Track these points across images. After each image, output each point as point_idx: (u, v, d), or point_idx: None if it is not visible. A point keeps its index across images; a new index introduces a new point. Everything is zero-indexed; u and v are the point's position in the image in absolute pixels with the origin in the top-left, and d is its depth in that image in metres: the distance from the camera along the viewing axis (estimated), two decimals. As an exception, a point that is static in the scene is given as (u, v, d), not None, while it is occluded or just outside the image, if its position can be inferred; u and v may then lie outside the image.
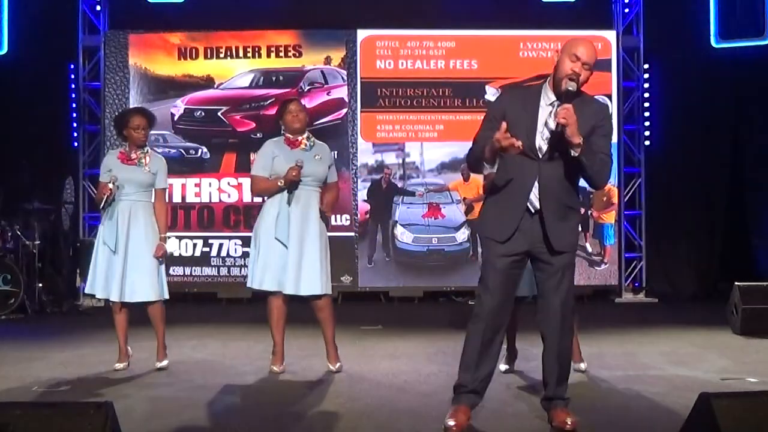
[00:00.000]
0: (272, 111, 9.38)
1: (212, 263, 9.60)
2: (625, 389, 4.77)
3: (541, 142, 3.79)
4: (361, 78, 9.65)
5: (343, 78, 9.67)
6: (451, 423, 3.79)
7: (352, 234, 9.56)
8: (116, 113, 9.27)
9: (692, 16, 9.88)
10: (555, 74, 3.80)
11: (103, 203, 5.31)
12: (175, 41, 9.76)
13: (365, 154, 9.68)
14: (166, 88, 9.71)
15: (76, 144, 9.92)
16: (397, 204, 9.67)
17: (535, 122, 3.80)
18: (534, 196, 3.80)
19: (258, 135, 9.45)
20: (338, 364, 5.28)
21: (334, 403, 4.48)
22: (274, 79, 9.72)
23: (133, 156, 5.37)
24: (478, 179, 9.08)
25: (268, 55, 9.72)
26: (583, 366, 5.21)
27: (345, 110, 9.63)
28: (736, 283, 6.89)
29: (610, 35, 9.77)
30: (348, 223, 9.54)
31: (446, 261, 9.59)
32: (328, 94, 9.65)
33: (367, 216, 9.66)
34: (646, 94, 9.94)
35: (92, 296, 5.73)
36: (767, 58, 9.58)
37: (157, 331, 5.42)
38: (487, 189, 4.24)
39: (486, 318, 3.84)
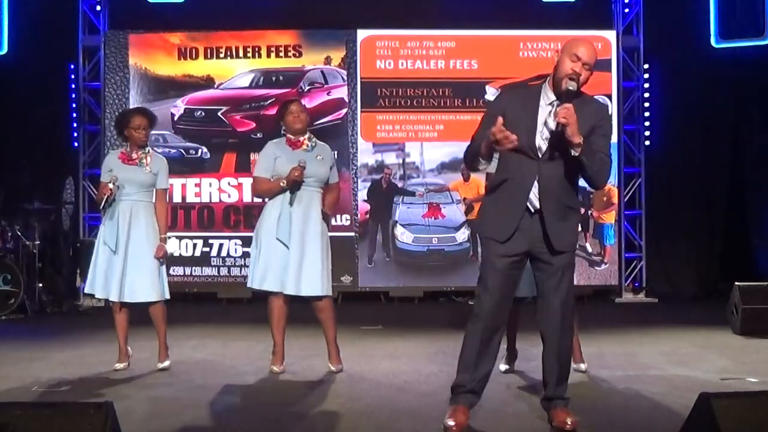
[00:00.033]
0: (272, 111, 9.39)
1: (212, 263, 9.60)
2: (625, 389, 4.77)
3: (541, 141, 3.79)
4: (361, 78, 9.65)
5: (343, 78, 9.67)
6: (451, 423, 3.79)
7: (352, 234, 9.56)
8: (116, 113, 9.29)
9: (692, 16, 9.88)
10: (555, 74, 3.80)
11: (103, 203, 5.31)
12: (175, 41, 9.76)
13: (365, 154, 9.68)
14: (166, 88, 9.71)
15: (76, 144, 9.92)
16: (397, 204, 9.67)
17: (534, 122, 3.80)
18: (534, 195, 3.80)
19: (258, 135, 9.46)
20: (339, 365, 5.28)
21: (334, 403, 4.48)
22: (274, 79, 9.72)
23: (134, 156, 5.37)
24: (478, 179, 9.11)
25: (268, 55, 9.72)
26: (583, 366, 5.21)
27: (345, 110, 9.63)
28: (736, 283, 6.89)
29: (610, 35, 9.77)
30: (348, 223, 9.54)
31: (446, 261, 9.59)
32: (328, 94, 9.65)
33: (367, 216, 9.66)
34: (646, 94, 9.93)
35: (92, 296, 5.73)
36: (767, 58, 9.58)
37: (158, 332, 5.42)
38: (486, 188, 4.24)
39: (485, 318, 3.84)
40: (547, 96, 3.84)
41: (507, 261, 3.83)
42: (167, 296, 5.44)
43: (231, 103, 9.67)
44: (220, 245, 9.60)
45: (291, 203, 5.15)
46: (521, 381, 5.02)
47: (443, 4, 9.80)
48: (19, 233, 8.68)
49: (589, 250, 9.67)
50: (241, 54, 9.71)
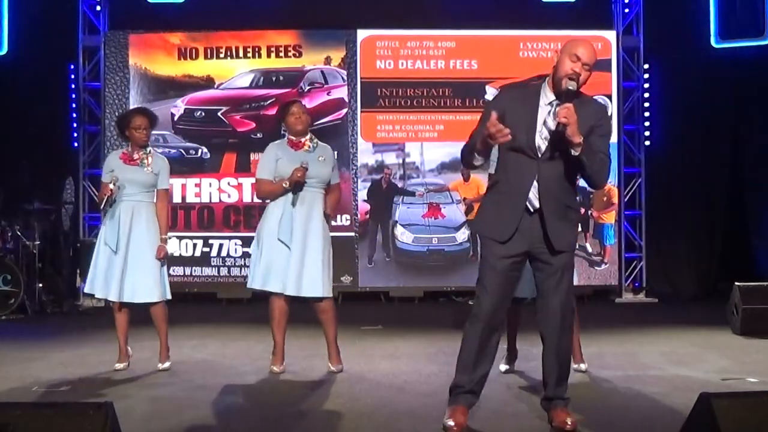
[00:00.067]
0: (272, 111, 9.41)
1: (212, 263, 9.60)
2: (625, 389, 4.77)
3: (540, 141, 3.79)
4: (361, 78, 9.65)
5: (343, 78, 9.67)
6: (451, 423, 3.79)
7: (352, 234, 9.56)
8: (116, 113, 9.32)
9: (692, 16, 9.88)
10: (555, 74, 3.80)
11: (103, 203, 5.31)
12: (175, 41, 9.76)
13: (365, 154, 9.68)
14: (166, 88, 9.71)
15: (76, 144, 9.92)
16: (397, 204, 9.67)
17: (534, 121, 3.80)
18: (533, 195, 3.80)
19: (258, 135, 9.47)
20: (339, 365, 5.28)
21: (334, 404, 4.48)
22: (274, 79, 9.72)
23: (136, 156, 5.37)
24: (478, 179, 9.11)
25: (268, 55, 9.72)
26: (583, 366, 5.21)
27: (345, 110, 9.63)
28: (736, 283, 6.89)
29: (610, 35, 9.77)
30: (348, 223, 9.54)
31: (446, 261, 9.59)
32: (328, 94, 9.65)
33: (367, 216, 9.66)
34: (646, 94, 9.93)
35: (92, 296, 5.73)
36: (767, 58, 9.58)
37: (159, 332, 5.43)
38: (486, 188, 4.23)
39: (484, 319, 3.83)
40: (547, 96, 3.84)
41: (507, 262, 3.83)
42: (168, 296, 5.44)
43: (231, 103, 9.67)
44: (220, 245, 9.60)
45: (293, 204, 5.15)
46: (521, 381, 5.02)
47: (443, 4, 9.80)
48: (19, 233, 8.67)
49: (589, 250, 9.67)
50: (241, 54, 9.71)
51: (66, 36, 9.79)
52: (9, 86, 9.75)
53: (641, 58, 9.93)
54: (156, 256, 5.31)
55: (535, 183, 3.79)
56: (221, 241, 9.60)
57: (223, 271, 9.60)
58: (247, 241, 9.36)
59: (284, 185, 5.14)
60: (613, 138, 9.50)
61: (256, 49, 9.71)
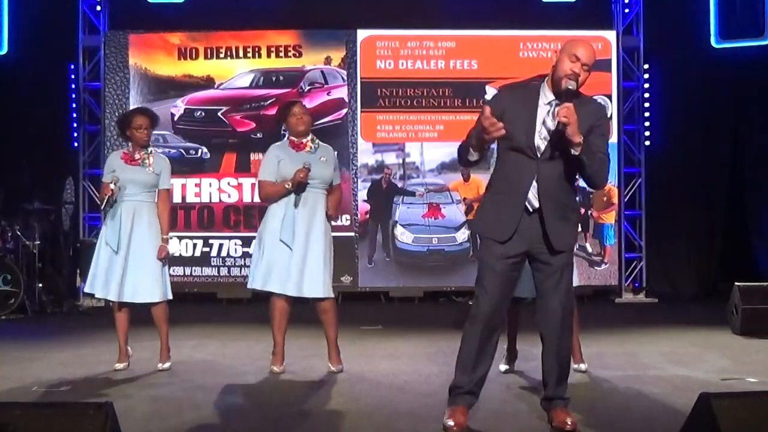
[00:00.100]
0: (272, 111, 9.40)
1: (212, 263, 9.60)
2: (625, 389, 4.77)
3: (540, 141, 3.79)
4: (361, 78, 9.65)
5: (343, 78, 9.67)
6: (451, 423, 3.79)
7: (352, 234, 9.56)
8: (116, 113, 9.33)
9: (692, 16, 9.88)
10: (554, 74, 3.81)
11: (104, 204, 5.31)
12: (175, 41, 9.76)
13: (365, 154, 9.68)
14: (166, 88, 9.71)
15: (76, 144, 9.92)
16: (398, 204, 9.67)
17: (533, 121, 3.80)
18: (532, 195, 3.80)
19: (258, 135, 9.47)
20: (339, 365, 5.28)
21: (334, 404, 4.48)
22: (274, 79, 9.72)
23: (137, 156, 5.37)
24: (478, 179, 9.11)
25: (268, 55, 9.72)
26: (583, 366, 5.21)
27: (345, 110, 9.63)
28: (736, 283, 6.89)
29: (610, 35, 9.77)
30: (348, 223, 9.54)
31: (446, 261, 9.59)
32: (328, 94, 9.65)
33: (367, 216, 9.66)
34: (646, 94, 9.94)
35: (92, 296, 5.73)
36: (767, 58, 9.58)
37: (160, 332, 5.42)
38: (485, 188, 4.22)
39: (483, 319, 3.83)
40: (546, 95, 3.84)
41: (507, 263, 3.83)
42: (170, 296, 5.43)
43: (231, 103, 9.67)
44: (220, 245, 9.60)
45: (296, 205, 5.15)
46: (521, 381, 5.02)
47: (443, 4, 9.80)
48: (19, 233, 8.68)
49: (589, 250, 9.67)
50: (241, 54, 9.71)
51: (66, 36, 9.79)
52: (9, 86, 9.75)
53: (641, 58, 9.93)
54: (157, 256, 5.31)
55: (534, 183, 3.79)
56: (221, 241, 9.60)
57: (223, 271, 9.61)
58: (247, 241, 9.38)
59: (287, 186, 5.14)
60: (614, 138, 9.53)
61: (256, 49, 9.71)
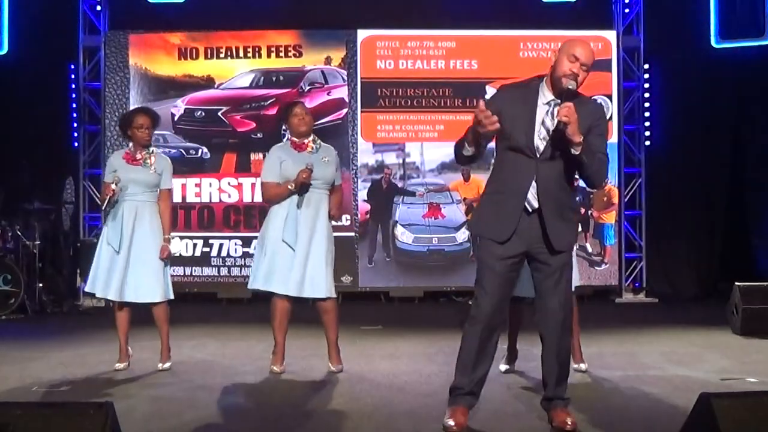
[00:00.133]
0: (272, 111, 9.41)
1: (212, 263, 9.60)
2: (625, 389, 4.77)
3: (539, 141, 3.79)
4: (361, 78, 9.65)
5: (343, 78, 9.67)
6: (451, 423, 3.79)
7: (353, 234, 9.56)
8: (117, 113, 9.34)
9: (692, 16, 9.88)
10: (553, 74, 3.81)
11: (105, 204, 5.31)
12: (175, 41, 9.76)
13: (365, 154, 9.68)
14: (166, 88, 9.71)
15: (76, 144, 9.92)
16: (398, 204, 9.66)
17: (533, 121, 3.80)
18: (532, 195, 3.80)
19: (258, 135, 9.47)
20: (339, 365, 5.29)
21: (334, 404, 4.49)
22: (274, 79, 9.72)
23: (139, 156, 5.37)
24: (478, 179, 9.11)
25: (269, 55, 9.72)
26: (583, 366, 5.21)
27: (345, 110, 9.63)
28: (736, 283, 6.89)
29: (611, 35, 9.76)
30: (348, 223, 9.54)
31: (446, 261, 9.59)
32: (328, 94, 9.65)
33: (368, 216, 9.66)
34: (647, 94, 9.93)
35: (92, 296, 5.73)
36: (767, 58, 9.58)
37: (161, 332, 5.42)
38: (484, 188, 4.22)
39: (483, 319, 3.83)
40: (545, 95, 3.84)
41: (506, 264, 3.82)
42: (171, 296, 5.43)
43: (231, 103, 9.67)
44: (220, 245, 9.60)
45: (299, 206, 5.15)
46: (521, 381, 5.02)
47: (443, 4, 9.80)
48: (19, 233, 8.67)
49: (590, 250, 9.67)
50: (241, 54, 9.71)
51: (66, 36, 9.79)
52: (9, 86, 9.74)
53: (641, 58, 9.93)
54: (159, 256, 5.32)
55: (533, 183, 3.79)
56: (221, 241, 9.60)
57: (223, 271, 9.60)
58: (247, 241, 9.38)
59: (290, 187, 5.14)
60: (614, 138, 9.53)
61: (257, 49, 9.71)
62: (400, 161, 9.73)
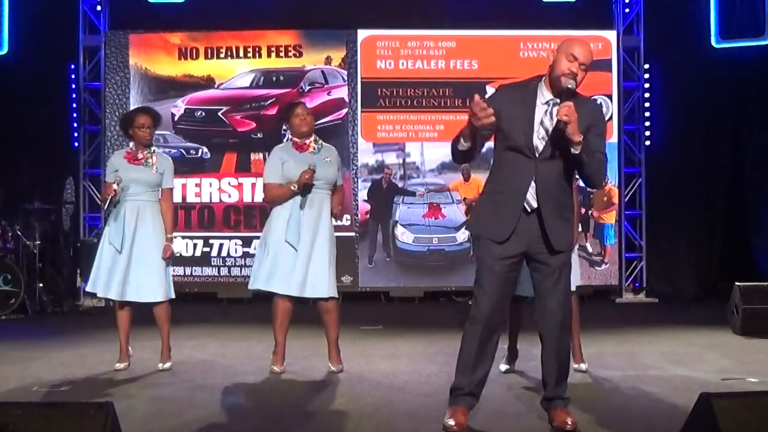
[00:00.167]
0: (273, 111, 9.41)
1: (212, 263, 9.59)
2: (625, 389, 4.77)
3: (537, 141, 3.79)
4: (361, 78, 9.65)
5: (343, 78, 9.67)
6: (451, 422, 3.79)
7: (353, 234, 9.56)
8: (117, 113, 9.34)
9: (692, 16, 9.88)
10: (551, 73, 3.81)
11: (107, 204, 5.30)
12: (175, 41, 9.76)
13: (365, 154, 9.68)
14: (166, 88, 9.71)
15: (76, 144, 9.92)
16: (398, 204, 9.66)
17: (531, 121, 3.80)
18: (531, 195, 3.80)
19: (258, 135, 9.47)
20: (340, 365, 5.29)
21: (334, 404, 4.49)
22: (274, 79, 9.72)
23: (140, 156, 5.37)
24: (478, 179, 9.11)
25: (269, 55, 9.72)
26: (583, 366, 5.22)
27: (345, 110, 9.63)
28: (736, 283, 6.89)
29: (611, 35, 9.76)
30: (348, 223, 9.54)
31: (447, 261, 9.59)
32: (328, 94, 9.65)
33: (368, 216, 9.66)
34: (647, 94, 9.93)
35: (93, 296, 5.73)
36: (767, 58, 9.58)
37: (161, 332, 5.42)
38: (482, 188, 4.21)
39: (483, 320, 3.83)
40: (543, 95, 3.84)
41: (506, 264, 3.82)
42: (172, 295, 5.43)
43: (231, 103, 9.67)
44: (221, 245, 9.59)
45: (302, 207, 5.15)
46: (521, 381, 5.02)
47: (443, 4, 9.80)
48: (19, 233, 8.68)
49: (590, 250, 9.67)
50: (241, 54, 9.71)
51: (66, 36, 9.79)
52: (9, 86, 9.75)
53: (641, 58, 9.93)
54: (162, 255, 5.32)
55: (532, 183, 3.79)
56: (221, 241, 9.59)
57: (224, 271, 9.60)
58: (247, 241, 9.39)
59: (293, 188, 5.14)
60: (614, 138, 9.53)
61: (257, 49, 9.71)
62: (400, 161, 9.73)
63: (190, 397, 4.60)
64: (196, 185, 9.61)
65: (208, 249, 9.60)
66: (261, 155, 9.26)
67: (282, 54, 9.71)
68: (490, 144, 3.96)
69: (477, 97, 3.63)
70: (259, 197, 9.22)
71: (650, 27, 9.91)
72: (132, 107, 9.00)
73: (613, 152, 9.40)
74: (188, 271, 9.55)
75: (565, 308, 3.88)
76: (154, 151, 5.44)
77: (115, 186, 5.24)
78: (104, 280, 5.29)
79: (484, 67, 9.62)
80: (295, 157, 5.21)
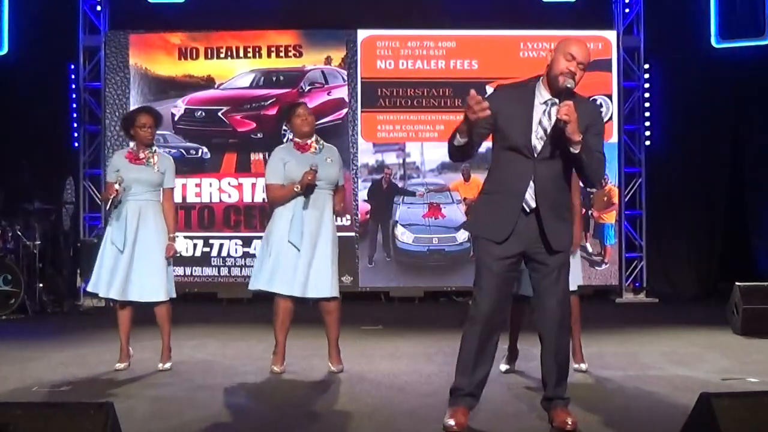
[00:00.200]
0: (273, 111, 9.42)
1: (212, 263, 9.60)
2: (626, 389, 4.77)
3: (536, 141, 3.79)
4: (361, 78, 9.65)
5: (343, 78, 9.67)
6: (451, 422, 3.79)
7: (353, 234, 9.56)
8: (117, 113, 9.34)
9: (692, 16, 9.88)
10: (549, 73, 3.80)
11: (109, 204, 5.30)
12: (175, 41, 9.76)
13: (366, 154, 9.68)
14: (166, 88, 9.71)
15: (76, 144, 9.92)
16: (398, 204, 9.67)
17: (530, 121, 3.80)
18: (529, 195, 3.80)
19: (258, 135, 9.47)
20: (340, 366, 5.29)
21: (335, 404, 4.49)
22: (274, 79, 9.72)
23: (141, 156, 5.36)
24: (478, 179, 9.10)
25: (269, 55, 9.72)
26: (584, 366, 5.21)
27: (345, 110, 9.63)
28: (736, 283, 6.89)
29: (611, 35, 9.77)
30: (348, 223, 9.54)
31: (447, 261, 9.59)
32: (328, 94, 9.65)
33: (368, 216, 9.66)
34: (647, 94, 9.94)
35: (93, 296, 5.73)
36: (767, 58, 9.58)
37: (162, 332, 5.42)
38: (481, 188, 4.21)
39: (482, 320, 3.82)
40: (542, 95, 3.84)
41: (503, 263, 3.82)
42: (173, 295, 5.43)
43: (231, 103, 9.67)
44: (221, 245, 9.60)
45: (305, 207, 5.15)
46: (521, 381, 5.02)
47: (443, 4, 9.80)
48: (19, 233, 8.67)
49: (590, 250, 9.67)
50: (241, 54, 9.72)
51: (66, 36, 9.79)
52: (9, 86, 9.75)
53: (641, 58, 9.93)
54: (165, 255, 5.31)
55: (531, 183, 3.79)
56: (221, 241, 9.60)
57: (224, 271, 9.60)
58: (247, 241, 9.39)
59: (296, 189, 5.14)
60: (614, 138, 9.54)
61: (257, 49, 9.71)
62: (401, 161, 9.73)
63: (191, 398, 4.60)
64: (196, 185, 9.61)
65: (208, 249, 9.60)
66: (261, 155, 9.27)
67: (282, 54, 9.71)
68: (488, 144, 3.95)
69: (473, 91, 3.63)
70: (259, 197, 9.23)
71: (650, 27, 9.92)
72: (132, 107, 9.01)
73: (613, 152, 9.41)
74: (188, 271, 9.56)
75: (564, 308, 3.88)
76: (155, 150, 5.44)
77: (116, 186, 5.24)
78: (106, 281, 5.28)
79: (484, 67, 9.62)
80: (296, 157, 5.21)
